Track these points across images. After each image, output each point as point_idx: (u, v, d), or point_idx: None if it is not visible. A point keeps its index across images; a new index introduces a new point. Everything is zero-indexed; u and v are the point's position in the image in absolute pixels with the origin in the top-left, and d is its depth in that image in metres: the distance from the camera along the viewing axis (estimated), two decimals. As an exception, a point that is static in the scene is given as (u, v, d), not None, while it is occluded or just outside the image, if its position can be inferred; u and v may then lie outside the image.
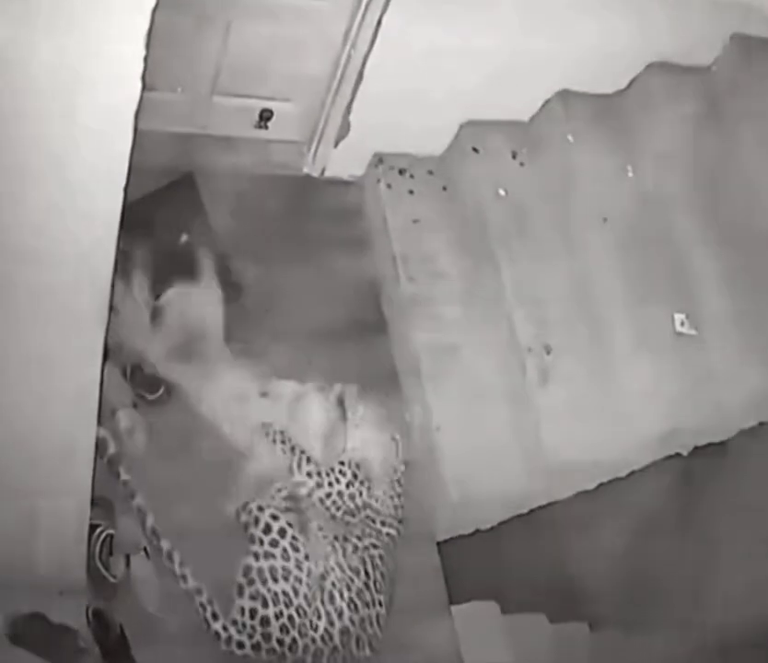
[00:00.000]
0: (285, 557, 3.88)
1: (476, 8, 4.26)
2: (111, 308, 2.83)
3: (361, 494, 4.18)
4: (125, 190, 2.42)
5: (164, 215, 4.47)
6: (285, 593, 3.83)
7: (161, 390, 4.23)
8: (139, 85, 2.19)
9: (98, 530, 3.81)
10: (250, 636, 3.79)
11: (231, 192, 4.69)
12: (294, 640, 3.82)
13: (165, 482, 4.01)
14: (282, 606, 3.81)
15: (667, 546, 4.51)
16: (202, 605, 3.82)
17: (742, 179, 4.77)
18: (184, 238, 4.50)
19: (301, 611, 3.83)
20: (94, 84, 2.18)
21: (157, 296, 4.30)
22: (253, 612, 3.81)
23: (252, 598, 3.82)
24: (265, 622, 3.80)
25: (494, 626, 4.56)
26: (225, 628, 3.80)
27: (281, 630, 3.80)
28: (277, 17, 4.39)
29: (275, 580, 3.84)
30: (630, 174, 4.82)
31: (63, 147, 2.31)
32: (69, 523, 3.53)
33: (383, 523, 4.18)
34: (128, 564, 3.85)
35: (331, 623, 3.88)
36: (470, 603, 4.43)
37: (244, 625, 3.80)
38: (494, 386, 4.50)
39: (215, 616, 3.81)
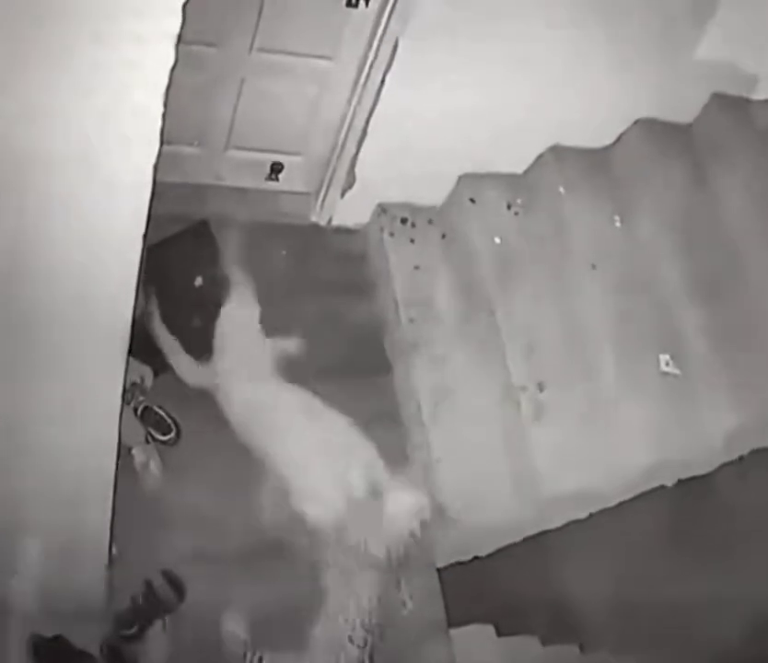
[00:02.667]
0: None
1: (473, 69, 4.28)
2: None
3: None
4: (145, 236, 2.42)
5: (181, 258, 4.48)
6: None
7: (172, 433, 4.20)
8: (158, 139, 2.18)
9: None
10: None
11: (244, 239, 4.69)
12: None
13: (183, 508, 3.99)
14: None
15: (654, 571, 4.48)
16: None
17: (722, 228, 4.77)
18: (199, 280, 4.51)
19: None
20: (117, 139, 2.18)
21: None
22: None
23: None
24: None
25: (489, 648, 4.52)
26: None
27: None
28: (287, 77, 4.42)
29: None
30: (618, 224, 4.80)
31: (88, 198, 2.31)
32: (90, 556, 3.51)
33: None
34: (144, 628, 3.81)
35: None
36: (467, 626, 4.39)
37: None
38: (491, 421, 4.48)
39: None
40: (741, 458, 4.65)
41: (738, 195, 4.79)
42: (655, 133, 4.85)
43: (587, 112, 4.63)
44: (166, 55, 2.01)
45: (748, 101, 4.99)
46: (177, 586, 3.81)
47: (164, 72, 2.05)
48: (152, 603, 3.77)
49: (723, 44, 4.63)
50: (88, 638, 3.69)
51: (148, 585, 3.78)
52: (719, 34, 4.57)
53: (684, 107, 4.91)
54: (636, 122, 4.83)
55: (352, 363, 4.64)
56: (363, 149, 4.60)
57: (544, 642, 4.60)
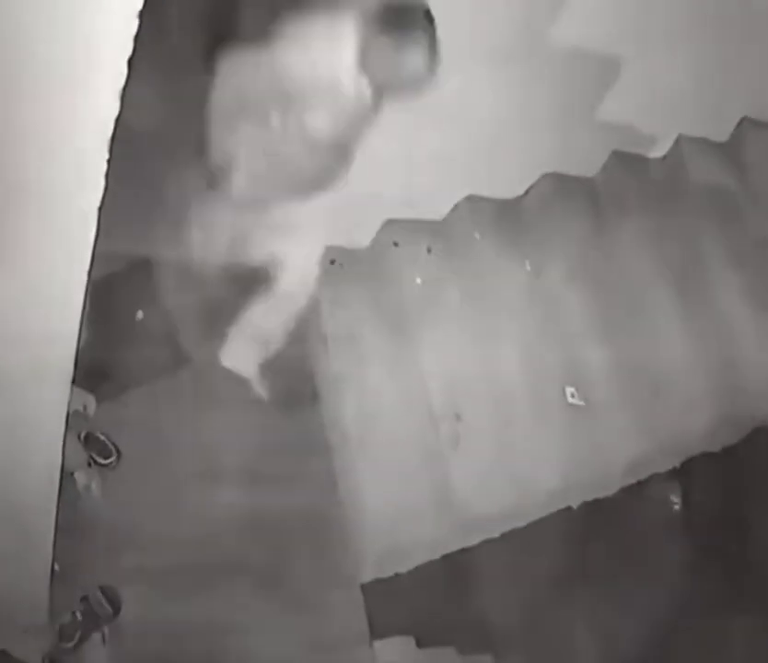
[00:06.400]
0: None
1: (397, 125, 4.32)
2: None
3: None
4: (89, 273, 2.41)
5: (123, 293, 4.46)
6: None
7: (113, 457, 4.15)
8: (102, 183, 2.19)
9: None
10: None
11: (183, 278, 4.67)
12: None
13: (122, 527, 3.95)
14: None
15: (560, 585, 4.54)
16: None
17: (622, 271, 4.89)
18: (140, 314, 4.49)
19: None
20: (62, 183, 2.18)
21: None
22: None
23: None
24: None
25: (410, 658, 4.53)
26: None
27: None
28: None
29: None
30: (528, 268, 4.87)
31: (35, 240, 2.30)
32: (34, 573, 3.46)
33: None
34: (83, 640, 3.75)
35: None
36: (389, 638, 4.40)
37: None
38: (413, 448, 4.50)
39: None
40: (639, 482, 4.76)
41: (635, 241, 4.92)
42: (560, 185, 4.95)
43: (499, 166, 4.71)
44: (111, 106, 2.02)
45: (645, 158, 5.15)
46: (112, 600, 3.78)
47: (109, 123, 2.06)
48: (89, 617, 3.72)
49: (623, 106, 4.76)
50: (32, 652, 3.63)
51: (85, 599, 3.74)
52: (620, 97, 4.68)
53: (587, 163, 5.04)
54: (544, 175, 4.93)
55: (284, 394, 4.61)
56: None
57: (460, 651, 4.62)
